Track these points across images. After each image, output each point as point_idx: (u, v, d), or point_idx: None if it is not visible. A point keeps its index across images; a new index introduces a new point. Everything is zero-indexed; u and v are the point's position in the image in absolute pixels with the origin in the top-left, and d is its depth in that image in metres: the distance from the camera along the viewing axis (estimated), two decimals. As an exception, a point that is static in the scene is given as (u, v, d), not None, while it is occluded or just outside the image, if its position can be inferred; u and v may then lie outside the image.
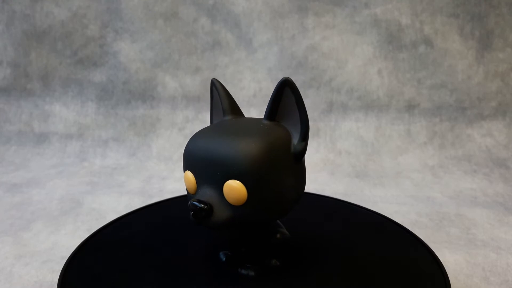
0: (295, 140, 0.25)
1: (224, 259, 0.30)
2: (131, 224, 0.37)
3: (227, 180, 0.23)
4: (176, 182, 0.63)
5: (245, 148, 0.23)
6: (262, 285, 0.27)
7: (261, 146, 0.23)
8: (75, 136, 0.75)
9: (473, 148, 0.70)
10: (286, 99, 0.25)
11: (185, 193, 0.47)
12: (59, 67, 0.78)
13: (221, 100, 0.29)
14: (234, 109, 0.29)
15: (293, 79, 0.84)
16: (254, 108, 0.74)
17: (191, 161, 0.25)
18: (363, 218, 0.37)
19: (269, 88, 0.75)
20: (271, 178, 0.23)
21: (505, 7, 0.72)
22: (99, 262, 0.30)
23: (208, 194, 0.24)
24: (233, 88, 0.75)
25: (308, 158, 0.70)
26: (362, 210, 0.39)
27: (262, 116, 0.27)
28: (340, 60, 0.75)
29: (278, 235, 0.28)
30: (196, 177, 0.24)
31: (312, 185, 0.61)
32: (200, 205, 0.23)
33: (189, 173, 0.25)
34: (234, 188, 0.23)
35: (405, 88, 0.74)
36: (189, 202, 0.23)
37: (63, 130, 0.76)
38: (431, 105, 0.73)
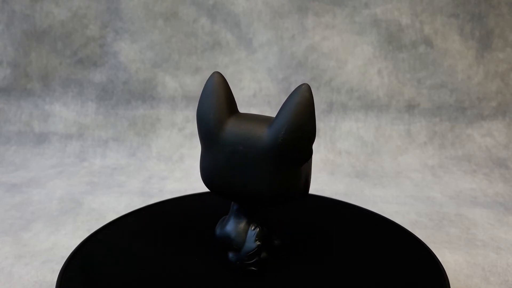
0: None
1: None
2: (131, 224, 0.37)
3: None
4: (176, 182, 0.63)
5: None
6: (259, 285, 0.27)
7: None
8: (75, 136, 0.75)
9: (473, 148, 0.70)
10: None
11: (185, 193, 0.47)
12: (59, 67, 0.78)
13: None
14: None
15: (293, 79, 0.84)
16: (254, 108, 0.74)
17: None
18: (362, 219, 0.37)
19: (269, 88, 0.75)
20: None
21: (505, 7, 0.72)
22: (98, 262, 0.30)
23: None
24: (233, 88, 0.74)
25: (308, 158, 0.70)
26: (362, 211, 0.39)
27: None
28: (340, 60, 0.74)
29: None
30: None
31: (312, 185, 0.61)
32: None
33: None
34: None
35: (405, 88, 0.74)
36: None
37: (63, 130, 0.76)
38: (431, 105, 0.73)
